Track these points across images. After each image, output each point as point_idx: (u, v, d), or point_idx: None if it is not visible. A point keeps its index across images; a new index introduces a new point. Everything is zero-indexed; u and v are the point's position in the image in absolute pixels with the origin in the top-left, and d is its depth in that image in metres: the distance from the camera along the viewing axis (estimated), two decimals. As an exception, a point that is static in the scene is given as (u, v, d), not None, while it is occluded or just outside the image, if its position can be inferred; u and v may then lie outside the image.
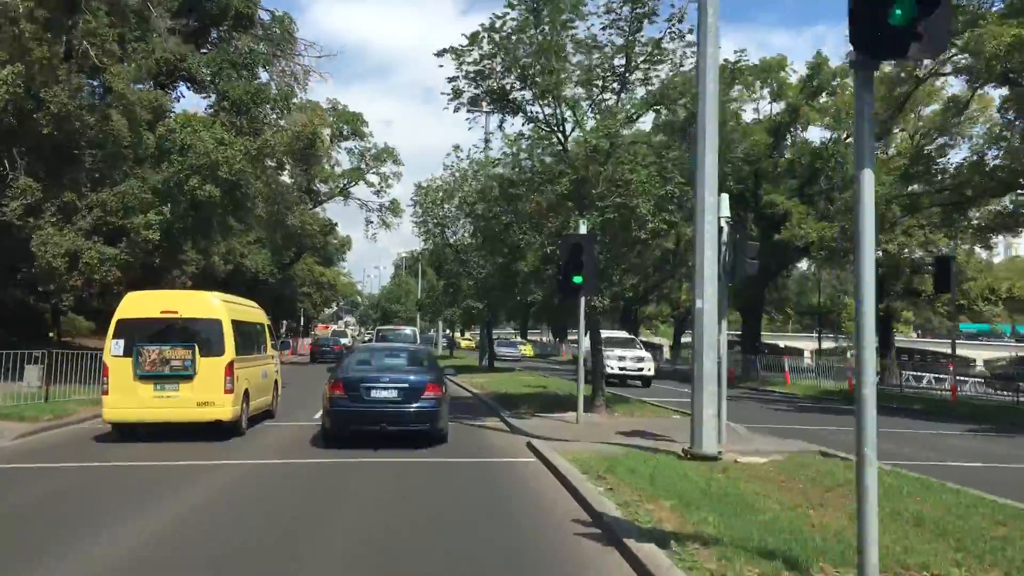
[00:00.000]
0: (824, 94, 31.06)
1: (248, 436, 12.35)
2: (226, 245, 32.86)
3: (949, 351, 36.36)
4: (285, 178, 34.71)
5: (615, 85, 15.40)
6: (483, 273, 27.99)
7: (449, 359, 43.43)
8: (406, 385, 11.50)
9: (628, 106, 15.40)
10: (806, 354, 53.19)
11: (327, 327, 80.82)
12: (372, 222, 47.56)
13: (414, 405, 11.40)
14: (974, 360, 65.21)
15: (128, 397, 11.43)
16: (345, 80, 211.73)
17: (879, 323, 33.47)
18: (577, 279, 12.84)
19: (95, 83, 23.80)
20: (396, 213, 46.47)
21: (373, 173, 45.91)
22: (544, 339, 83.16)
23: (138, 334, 11.57)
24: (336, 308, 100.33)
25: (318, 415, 12.93)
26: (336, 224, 47.72)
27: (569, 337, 70.53)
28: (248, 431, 12.64)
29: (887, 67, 24.97)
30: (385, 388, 11.47)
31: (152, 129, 24.84)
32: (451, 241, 32.10)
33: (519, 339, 71.95)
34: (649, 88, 15.42)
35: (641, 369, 27.07)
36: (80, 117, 21.37)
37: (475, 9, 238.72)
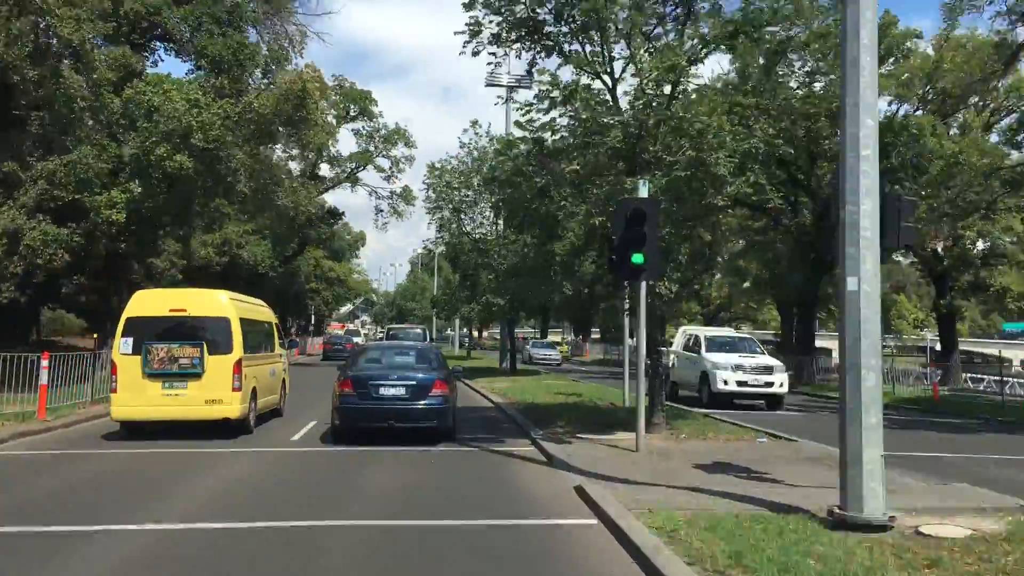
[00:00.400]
0: (891, 61, 32.44)
1: (256, 434, 14.85)
2: (221, 235, 35.26)
3: (986, 351, 38.43)
4: (278, 151, 36.63)
5: (678, 10, 14.68)
6: (505, 263, 30.04)
7: (466, 360, 46.79)
8: (414, 383, 13.94)
9: (695, 40, 14.36)
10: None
11: (343, 326, 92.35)
12: (382, 211, 50.24)
13: (422, 402, 13.78)
14: (1008, 360, 67.67)
15: (137, 395, 13.91)
16: (363, 80, 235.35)
17: (943, 322, 35.47)
18: (637, 258, 11.68)
19: (49, 36, 23.03)
20: (408, 201, 49.23)
21: (383, 156, 48.64)
22: (565, 338, 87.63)
23: (147, 332, 14.03)
24: (352, 307, 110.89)
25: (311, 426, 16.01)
26: (343, 214, 51.65)
27: (592, 336, 74.86)
28: (256, 429, 15.16)
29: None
30: (393, 385, 13.89)
31: (119, 92, 25.07)
32: (467, 229, 34.29)
33: (541, 338, 75.11)
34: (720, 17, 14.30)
35: (771, 384, 22.37)
36: (21, 70, 20.70)
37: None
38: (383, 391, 13.82)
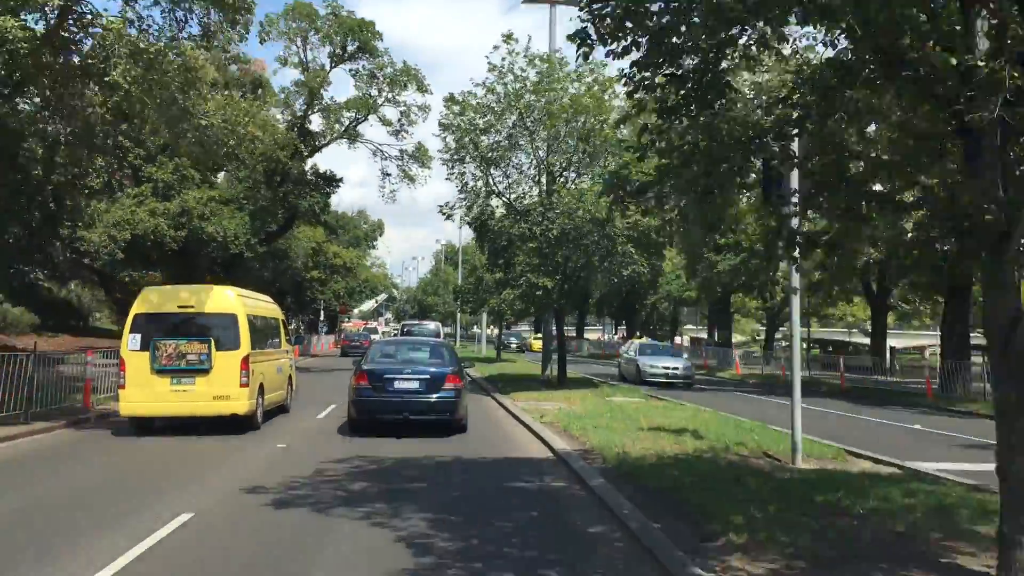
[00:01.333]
0: None
1: (264, 430, 14.96)
2: (178, 202, 30.73)
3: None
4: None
5: None
6: (555, 229, 22.79)
7: (495, 363, 40.27)
8: (427, 376, 14.51)
9: None
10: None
11: (365, 323, 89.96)
12: (389, 175, 38.56)
13: (435, 395, 14.33)
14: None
15: (145, 391, 14.10)
16: None
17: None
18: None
19: None
20: (423, 162, 37.92)
21: (388, 103, 37.54)
22: (604, 336, 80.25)
23: (155, 329, 14.23)
24: (376, 304, 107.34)
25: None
26: (340, 180, 39.11)
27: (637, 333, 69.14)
28: (263, 425, 15.31)
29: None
30: (407, 379, 14.47)
31: None
32: (499, 187, 25.89)
33: (578, 336, 69.45)
34: None
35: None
36: None
37: (519, 8, 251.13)
38: (398, 384, 14.40)
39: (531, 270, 23.68)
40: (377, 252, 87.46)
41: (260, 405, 15.27)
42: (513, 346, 57.45)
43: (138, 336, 14.24)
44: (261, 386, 15.29)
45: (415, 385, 14.41)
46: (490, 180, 25.74)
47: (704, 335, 67.10)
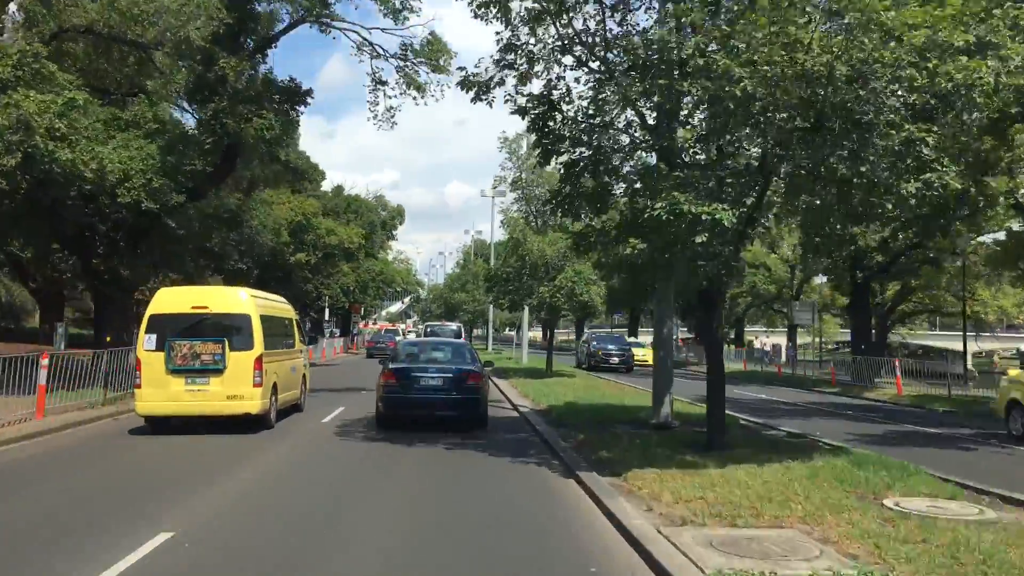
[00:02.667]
0: None
1: (277, 429, 15.06)
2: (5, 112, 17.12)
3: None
4: None
5: None
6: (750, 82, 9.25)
7: (548, 381, 26.61)
8: (451, 375, 15.42)
9: None
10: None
11: (383, 326, 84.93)
12: (385, 84, 25.10)
13: (458, 393, 15.23)
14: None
15: (160, 391, 14.30)
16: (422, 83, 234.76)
17: None
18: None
19: None
20: (437, 65, 24.49)
21: None
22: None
23: (170, 329, 14.43)
24: (404, 305, 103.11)
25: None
26: (309, 92, 24.45)
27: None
28: (277, 425, 15.43)
29: None
30: (432, 377, 15.39)
31: None
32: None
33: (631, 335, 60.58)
34: None
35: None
36: None
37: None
38: (423, 382, 15.30)
39: (676, 187, 10.40)
40: (398, 245, 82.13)
41: (274, 405, 15.43)
42: (613, 359, 38.95)
43: (153, 336, 14.46)
44: (275, 386, 15.43)
45: (439, 383, 15.29)
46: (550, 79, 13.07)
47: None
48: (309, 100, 24.63)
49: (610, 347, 41.80)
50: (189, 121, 26.03)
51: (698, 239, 10.26)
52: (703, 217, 9.81)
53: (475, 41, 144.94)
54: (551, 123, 12.94)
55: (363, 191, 65.20)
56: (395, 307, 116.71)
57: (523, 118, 13.05)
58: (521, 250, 29.68)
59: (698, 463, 10.69)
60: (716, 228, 10.11)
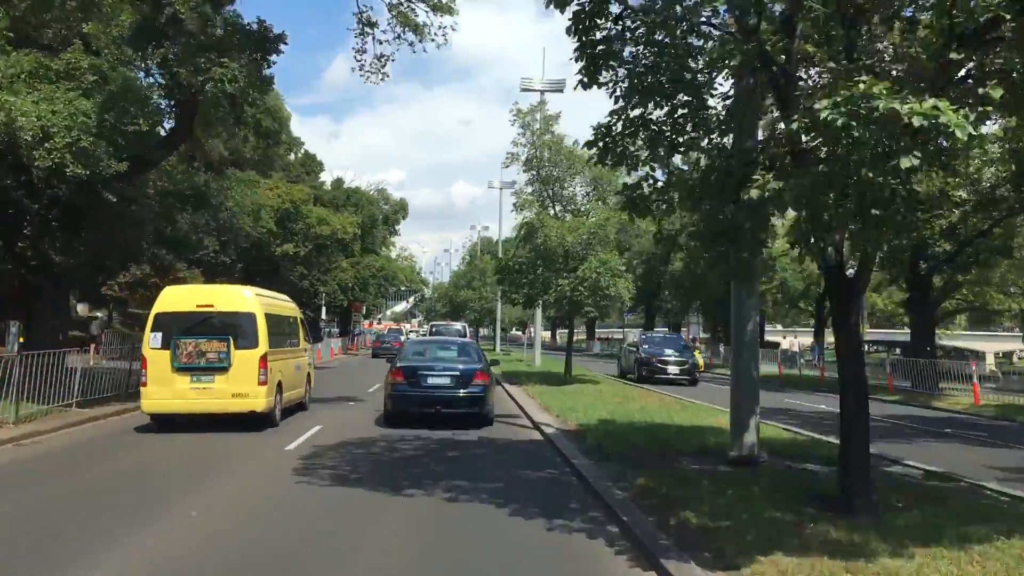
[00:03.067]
0: None
1: (282, 427, 15.08)
2: None
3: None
4: None
5: None
6: None
7: (568, 389, 23.44)
8: (457, 373, 15.66)
9: None
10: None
11: (397, 324, 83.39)
12: (375, 26, 20.05)
13: (465, 391, 15.45)
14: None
15: (166, 388, 14.38)
16: (428, 83, 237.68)
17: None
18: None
19: None
20: (439, 4, 19.71)
21: None
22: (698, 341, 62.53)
23: (175, 327, 14.51)
24: (409, 305, 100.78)
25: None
26: (280, 39, 19.46)
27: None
28: (281, 423, 15.47)
29: None
30: (439, 375, 15.62)
31: None
32: None
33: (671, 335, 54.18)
34: None
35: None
36: None
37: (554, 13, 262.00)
38: (431, 380, 15.56)
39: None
40: (402, 241, 77.43)
41: (279, 403, 15.48)
42: (672, 369, 31.34)
43: (159, 334, 14.55)
44: (279, 384, 15.49)
45: (446, 381, 15.55)
46: None
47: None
48: (282, 47, 19.47)
49: (667, 353, 32.01)
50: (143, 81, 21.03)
51: (905, 162, 6.05)
52: (918, 123, 5.71)
53: None
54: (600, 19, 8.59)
55: (364, 184, 60.59)
56: (400, 307, 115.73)
57: (562, 11, 8.64)
58: (537, 237, 25.46)
59: (855, 542, 6.97)
60: (938, 141, 6.16)
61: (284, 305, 17.65)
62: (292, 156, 48.69)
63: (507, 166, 29.38)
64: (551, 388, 23.25)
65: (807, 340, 58.31)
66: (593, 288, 24.69)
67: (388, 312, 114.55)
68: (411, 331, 76.64)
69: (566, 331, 34.85)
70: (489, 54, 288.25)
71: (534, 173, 27.91)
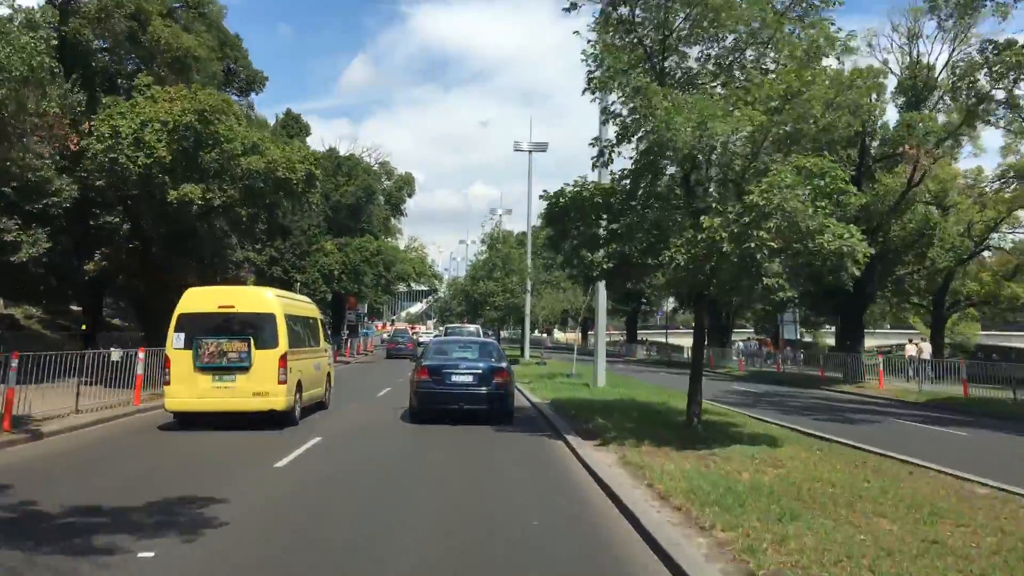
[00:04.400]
0: None
1: (302, 426, 15.29)
2: None
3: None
4: None
5: None
6: None
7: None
8: (479, 371, 16.39)
9: None
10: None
11: (412, 327, 79.84)
12: None
13: (486, 388, 16.15)
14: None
15: (188, 387, 14.70)
16: (446, 85, 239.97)
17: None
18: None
19: None
20: None
21: None
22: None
23: (198, 328, 14.84)
24: (426, 305, 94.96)
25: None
26: None
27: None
28: (302, 421, 15.71)
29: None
30: (462, 374, 16.33)
31: None
32: None
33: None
34: None
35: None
36: None
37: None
38: (455, 378, 16.23)
39: None
40: (410, 228, 69.48)
41: (299, 402, 15.72)
42: None
43: (182, 335, 14.86)
44: (299, 383, 15.74)
45: (469, 379, 16.22)
46: None
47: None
48: None
49: None
50: None
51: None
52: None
53: None
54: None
55: (360, 152, 51.56)
56: (416, 308, 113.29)
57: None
58: (649, 130, 12.71)
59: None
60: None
61: (304, 306, 17.99)
62: (225, 66, 31.27)
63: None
64: (685, 460, 11.28)
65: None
66: (792, 229, 11.57)
67: (403, 314, 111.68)
68: (420, 333, 74.16)
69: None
70: (506, 56, 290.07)
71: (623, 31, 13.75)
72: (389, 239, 53.56)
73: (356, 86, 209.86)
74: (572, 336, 74.53)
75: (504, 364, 16.97)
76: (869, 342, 47.47)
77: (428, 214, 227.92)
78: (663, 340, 72.82)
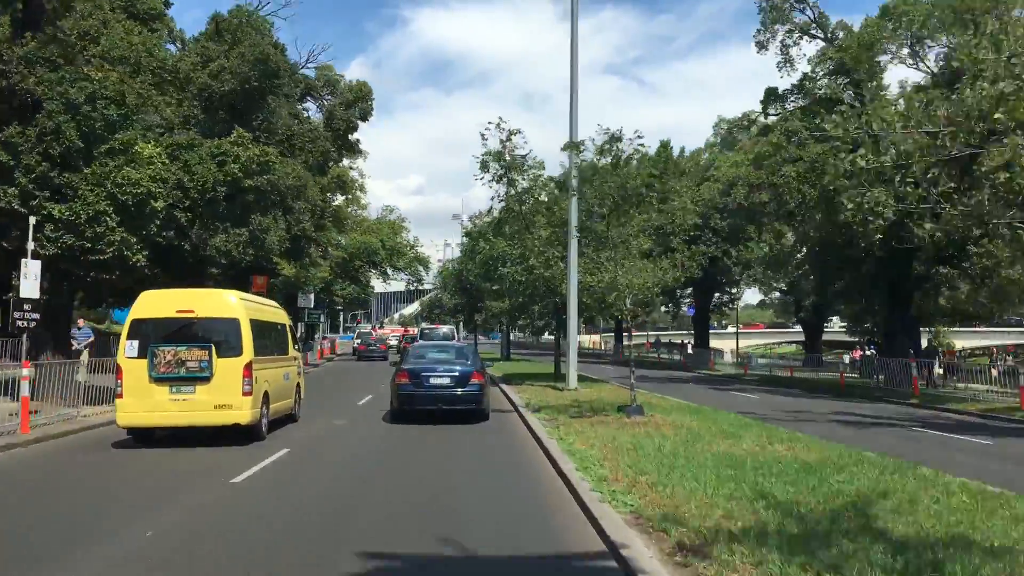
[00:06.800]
0: None
1: (269, 441, 13.92)
2: None
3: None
4: None
5: None
6: None
7: None
8: (456, 373, 17.05)
9: None
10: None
11: (406, 329, 68.13)
12: None
13: (463, 389, 16.79)
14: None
15: (143, 400, 13.33)
16: (447, 90, 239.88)
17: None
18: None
19: None
20: None
21: None
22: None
23: (153, 334, 13.49)
24: (419, 307, 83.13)
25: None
26: None
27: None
28: (269, 436, 14.38)
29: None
30: (440, 376, 16.98)
31: None
32: None
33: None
34: None
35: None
36: None
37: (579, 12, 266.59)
38: (433, 380, 16.90)
39: None
40: (378, 189, 54.00)
41: (265, 414, 14.36)
42: None
43: (135, 342, 13.53)
44: (266, 394, 14.42)
45: (446, 381, 16.89)
46: None
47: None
48: None
49: None
50: None
51: None
52: None
53: None
54: None
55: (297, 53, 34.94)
56: (409, 309, 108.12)
57: None
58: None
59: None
60: None
61: (271, 311, 16.59)
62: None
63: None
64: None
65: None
66: None
67: (396, 315, 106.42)
68: (391, 336, 66.85)
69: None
70: (507, 59, 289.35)
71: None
72: (348, 198, 39.58)
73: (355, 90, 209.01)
74: (594, 340, 72.30)
75: (480, 366, 17.90)
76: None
77: (428, 218, 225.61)
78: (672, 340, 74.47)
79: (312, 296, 44.45)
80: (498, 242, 30.35)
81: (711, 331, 67.23)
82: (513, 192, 24.14)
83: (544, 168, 24.64)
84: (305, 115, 34.98)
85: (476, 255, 37.04)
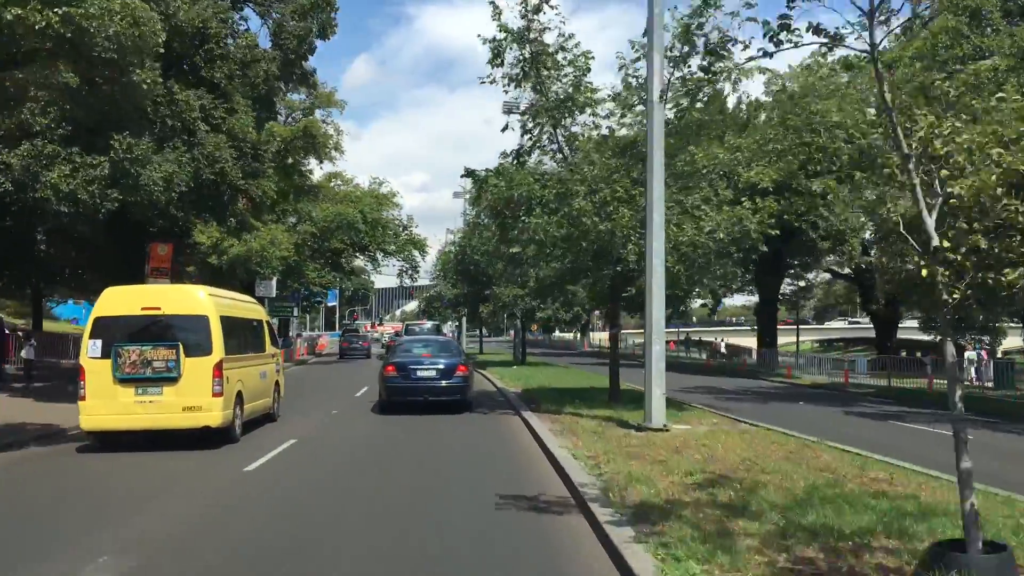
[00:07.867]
0: None
1: (243, 443, 13.15)
2: None
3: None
4: None
5: None
6: None
7: None
8: (442, 366, 17.72)
9: None
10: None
11: (400, 327, 61.54)
12: None
13: (448, 381, 17.50)
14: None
15: (107, 403, 12.58)
16: (450, 87, 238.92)
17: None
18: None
19: None
20: None
21: None
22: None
23: (118, 333, 12.71)
24: (421, 304, 77.07)
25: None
26: None
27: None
28: (244, 437, 13.62)
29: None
30: (426, 369, 17.64)
31: None
32: None
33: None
34: None
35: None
36: None
37: (582, 9, 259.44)
38: (419, 373, 17.58)
39: None
40: (358, 154, 47.72)
41: (239, 416, 13.65)
42: None
43: (98, 342, 12.79)
44: (239, 395, 13.71)
45: (432, 373, 17.56)
46: None
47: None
48: None
49: None
50: None
51: None
52: None
53: None
54: None
55: None
56: (411, 305, 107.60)
57: None
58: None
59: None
60: None
61: (245, 306, 15.77)
62: None
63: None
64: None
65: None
66: None
67: (399, 312, 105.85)
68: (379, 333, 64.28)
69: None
70: None
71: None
72: (322, 166, 32.10)
73: (359, 87, 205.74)
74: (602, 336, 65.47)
75: (463, 359, 18.85)
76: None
77: (432, 215, 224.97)
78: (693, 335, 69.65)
79: (273, 283, 34.39)
80: (521, 174, 17.53)
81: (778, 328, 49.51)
82: (543, 100, 16.43)
83: (592, 61, 16.53)
84: (242, 28, 26.59)
85: (480, 229, 30.50)
